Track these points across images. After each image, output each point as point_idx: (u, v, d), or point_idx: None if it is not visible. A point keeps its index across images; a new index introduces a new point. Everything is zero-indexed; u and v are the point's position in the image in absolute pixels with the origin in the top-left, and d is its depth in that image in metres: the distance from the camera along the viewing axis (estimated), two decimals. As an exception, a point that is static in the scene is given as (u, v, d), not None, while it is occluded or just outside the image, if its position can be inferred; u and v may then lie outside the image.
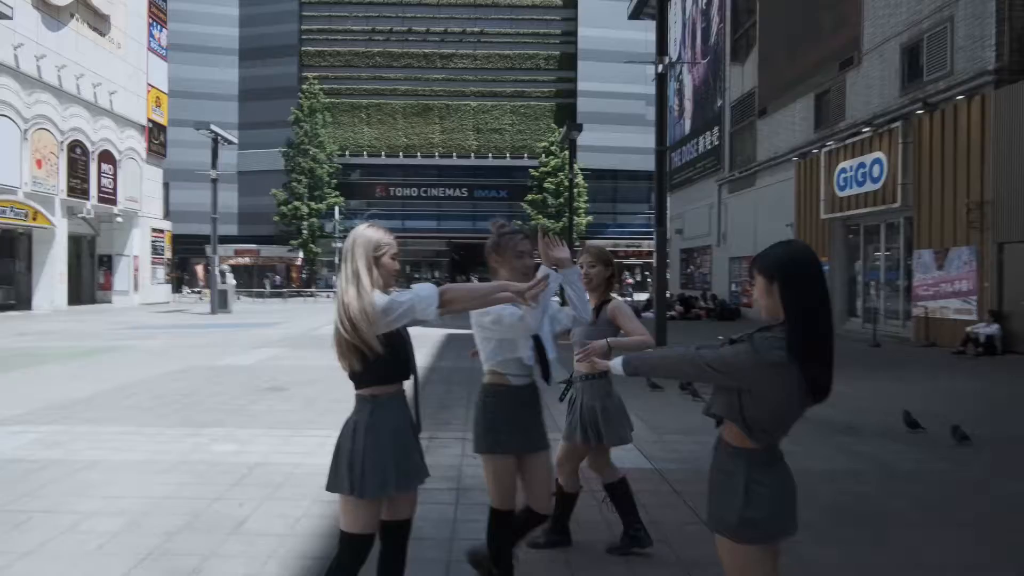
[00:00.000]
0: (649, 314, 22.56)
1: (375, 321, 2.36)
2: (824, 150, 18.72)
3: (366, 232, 2.52)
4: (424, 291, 2.43)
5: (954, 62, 14.58)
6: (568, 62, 53.51)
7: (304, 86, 48.39)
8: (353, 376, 2.51)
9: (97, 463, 5.30)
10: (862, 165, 17.12)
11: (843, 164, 17.91)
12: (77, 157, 27.39)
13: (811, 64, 20.16)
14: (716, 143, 27.89)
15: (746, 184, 24.89)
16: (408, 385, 2.61)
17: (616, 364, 2.35)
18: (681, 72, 32.64)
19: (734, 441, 2.08)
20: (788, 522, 2.09)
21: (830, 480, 5.10)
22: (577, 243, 33.74)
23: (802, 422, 6.63)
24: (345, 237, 2.61)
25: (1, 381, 9.45)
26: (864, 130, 17.01)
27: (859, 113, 17.74)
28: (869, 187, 16.86)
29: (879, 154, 16.48)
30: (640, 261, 52.00)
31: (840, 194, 18.06)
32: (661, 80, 14.34)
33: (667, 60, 14.18)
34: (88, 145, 28.11)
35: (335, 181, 48.14)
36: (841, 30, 18.65)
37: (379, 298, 2.40)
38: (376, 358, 2.41)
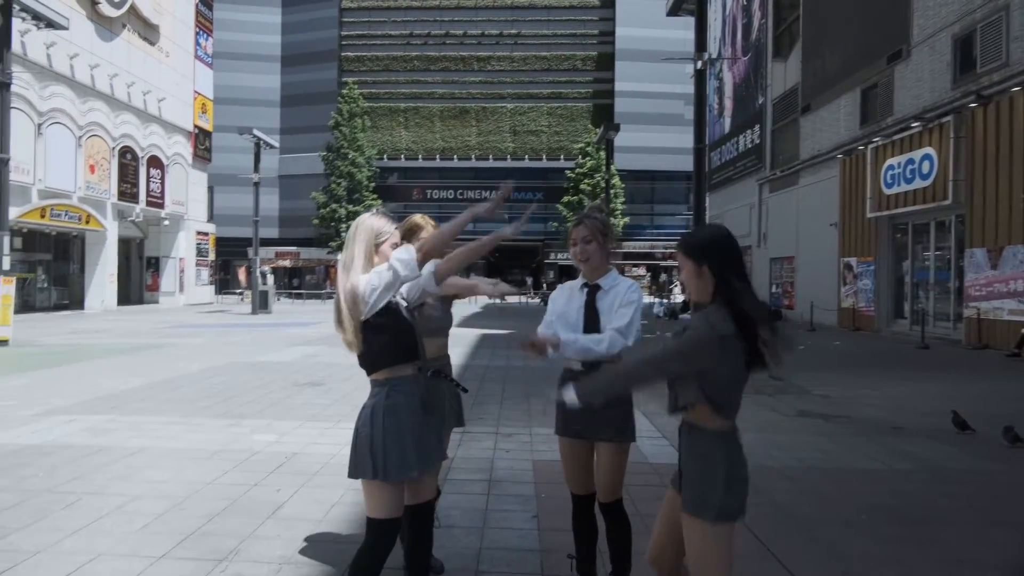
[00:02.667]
0: (686, 316, 22.40)
1: (361, 304, 2.40)
2: (871, 146, 18.28)
3: (368, 220, 2.55)
4: (402, 255, 2.43)
5: (1009, 52, 14.10)
6: (605, 62, 53.26)
7: (343, 91, 49.07)
8: (364, 362, 2.53)
9: (142, 450, 5.44)
10: (911, 161, 16.68)
11: (891, 161, 17.47)
12: (127, 162, 28.19)
13: (857, 58, 19.71)
14: (757, 141, 27.46)
15: (788, 183, 24.46)
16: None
17: (569, 394, 2.27)
18: (721, 70, 32.25)
19: (708, 424, 2.14)
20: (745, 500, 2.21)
21: (873, 479, 4.97)
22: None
23: (846, 422, 6.51)
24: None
25: (55, 374, 9.76)
26: (913, 125, 16.56)
27: (908, 108, 17.28)
28: (918, 184, 16.41)
29: (929, 150, 16.04)
30: (678, 263, 51.48)
31: (887, 192, 17.62)
32: (700, 77, 14.19)
33: (706, 56, 14.04)
34: (138, 151, 28.92)
35: (373, 184, 48.73)
36: (889, 22, 18.20)
37: (362, 281, 2.42)
38: (368, 347, 2.47)
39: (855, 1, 19.91)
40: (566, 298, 2.97)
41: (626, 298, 2.85)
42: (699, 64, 13.78)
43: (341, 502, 4.24)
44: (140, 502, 4.20)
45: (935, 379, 10.15)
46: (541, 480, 4.75)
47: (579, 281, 2.97)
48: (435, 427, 2.66)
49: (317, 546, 3.56)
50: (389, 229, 2.56)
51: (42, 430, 6.14)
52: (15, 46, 17.87)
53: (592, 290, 2.90)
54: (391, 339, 2.48)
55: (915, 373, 10.79)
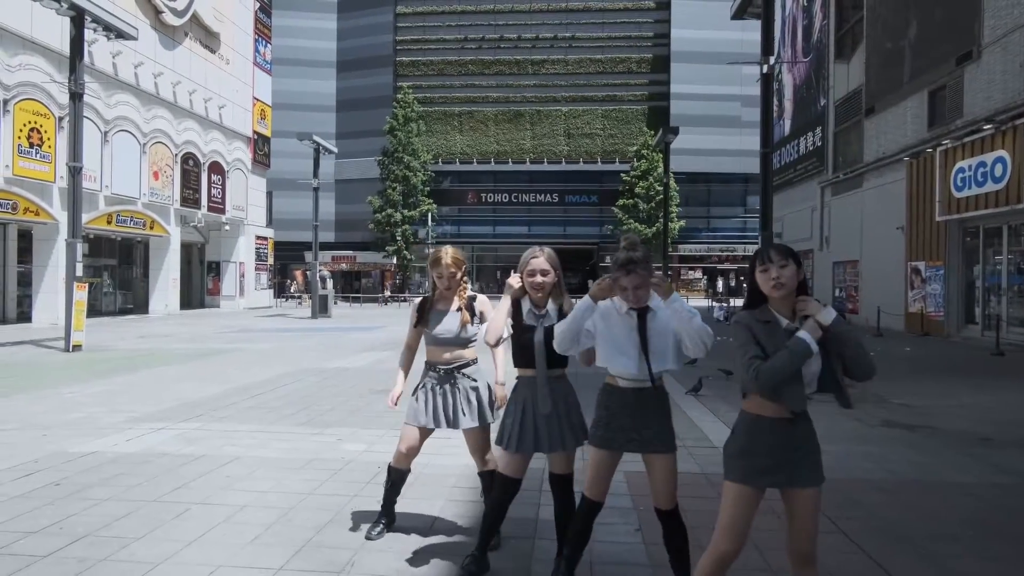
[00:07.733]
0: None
1: None
2: (939, 149, 17.76)
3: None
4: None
5: (1089, 52, 13.55)
6: (661, 64, 52.69)
7: (398, 95, 49.61)
8: None
9: (236, 459, 5.59)
10: (982, 164, 16.16)
11: (961, 163, 16.95)
12: (190, 169, 29.02)
13: (924, 60, 19.16)
14: (819, 144, 26.89)
15: (851, 186, 23.89)
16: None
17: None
18: (780, 71, 31.66)
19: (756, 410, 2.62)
20: None
21: (970, 493, 4.84)
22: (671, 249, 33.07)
23: (931, 432, 6.35)
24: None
25: (132, 380, 10.10)
26: (985, 127, 16.03)
27: (979, 110, 16.73)
28: (990, 187, 15.89)
29: (1002, 152, 15.51)
30: (735, 266, 50.55)
31: (957, 195, 17.09)
32: (766, 81, 13.93)
33: (772, 60, 13.78)
34: (199, 157, 29.75)
35: (428, 188, 49.12)
36: (958, 23, 17.65)
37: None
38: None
39: (921, 1, 19.34)
40: (606, 322, 3.00)
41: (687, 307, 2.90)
42: (765, 68, 13.56)
43: (442, 513, 4.30)
44: (247, 512, 4.31)
45: (1015, 387, 9.80)
46: (637, 492, 4.72)
47: (620, 305, 2.96)
48: (546, 420, 3.32)
49: (430, 557, 3.60)
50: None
51: (136, 438, 6.35)
52: (83, 56, 18.47)
53: (642, 312, 2.94)
54: (514, 348, 3.42)
55: (993, 381, 10.46)
